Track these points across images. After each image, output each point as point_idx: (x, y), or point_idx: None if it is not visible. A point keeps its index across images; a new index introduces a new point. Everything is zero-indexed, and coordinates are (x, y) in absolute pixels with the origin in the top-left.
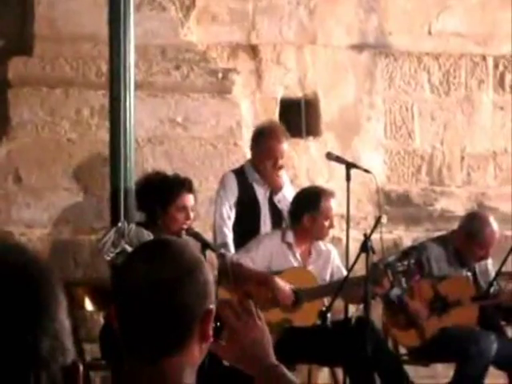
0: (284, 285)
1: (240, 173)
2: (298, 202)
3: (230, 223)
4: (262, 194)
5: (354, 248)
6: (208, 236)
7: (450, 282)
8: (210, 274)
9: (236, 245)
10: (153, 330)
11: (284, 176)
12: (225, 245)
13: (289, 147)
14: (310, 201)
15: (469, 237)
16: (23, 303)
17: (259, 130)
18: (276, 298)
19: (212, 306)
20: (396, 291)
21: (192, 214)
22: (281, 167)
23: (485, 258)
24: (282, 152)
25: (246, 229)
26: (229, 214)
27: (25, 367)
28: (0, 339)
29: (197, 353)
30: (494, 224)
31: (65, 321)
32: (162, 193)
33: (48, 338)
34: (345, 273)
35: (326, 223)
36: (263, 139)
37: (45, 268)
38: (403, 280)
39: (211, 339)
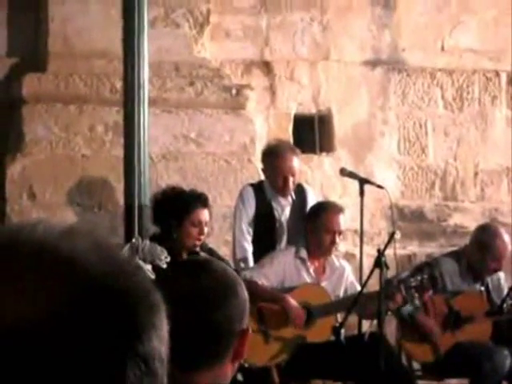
0: (296, 304)
1: (259, 187)
2: (306, 215)
3: (249, 238)
4: (278, 211)
5: (368, 263)
6: (222, 252)
7: (464, 298)
8: (246, 294)
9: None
10: (194, 341)
11: (309, 192)
12: (245, 259)
13: (301, 162)
14: (312, 212)
15: (481, 249)
16: (118, 327)
17: (266, 150)
18: (288, 317)
19: (248, 326)
20: (408, 308)
21: (206, 230)
22: (289, 183)
23: (498, 269)
24: (292, 169)
25: (262, 245)
26: (248, 228)
27: None
28: (86, 358)
29: (229, 370)
30: (506, 235)
31: (159, 347)
32: (178, 207)
33: (137, 362)
34: (359, 288)
35: (327, 236)
36: (271, 159)
37: (147, 293)
38: (416, 295)
39: (243, 359)
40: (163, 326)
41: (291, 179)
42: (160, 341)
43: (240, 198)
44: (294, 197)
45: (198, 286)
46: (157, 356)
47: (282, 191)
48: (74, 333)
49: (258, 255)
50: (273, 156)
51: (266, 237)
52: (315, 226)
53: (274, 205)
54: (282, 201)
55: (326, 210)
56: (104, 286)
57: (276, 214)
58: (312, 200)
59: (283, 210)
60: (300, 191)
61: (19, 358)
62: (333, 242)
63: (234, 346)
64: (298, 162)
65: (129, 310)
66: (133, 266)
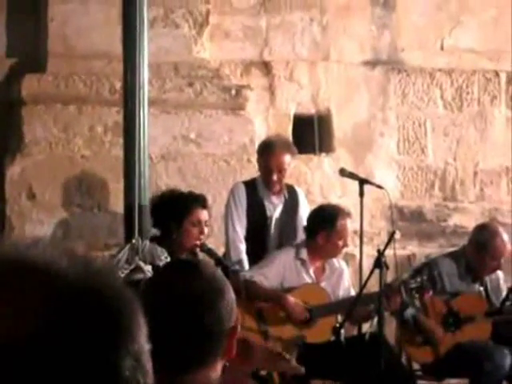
0: (296, 303)
1: (251, 185)
2: (314, 220)
3: (242, 236)
4: (270, 209)
5: (368, 264)
6: (221, 252)
7: (463, 298)
8: (233, 293)
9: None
10: (187, 343)
11: (301, 194)
12: (239, 262)
13: (299, 162)
14: (326, 219)
15: (480, 248)
16: (107, 325)
17: (260, 145)
18: (289, 316)
19: (236, 323)
20: (410, 311)
21: (206, 230)
22: (277, 180)
23: (497, 268)
24: (280, 165)
25: (253, 242)
26: (240, 226)
27: None
28: (84, 358)
29: (220, 368)
30: (504, 234)
31: (145, 345)
32: (177, 207)
33: (130, 358)
34: (353, 294)
35: (340, 242)
36: (261, 153)
37: (128, 296)
38: (416, 296)
39: (233, 355)
40: (144, 325)
41: (275, 175)
42: (145, 338)
43: (231, 195)
44: (286, 196)
45: (188, 288)
46: (145, 352)
47: (268, 186)
48: (66, 339)
49: (250, 252)
50: (263, 151)
51: (257, 234)
52: (330, 232)
53: (266, 202)
54: (274, 199)
55: (342, 216)
56: (83, 289)
57: (268, 212)
58: (304, 203)
59: (275, 208)
60: (291, 192)
61: (17, 371)
62: (345, 245)
63: (225, 343)
64: (289, 159)
65: (113, 310)
66: (105, 265)
